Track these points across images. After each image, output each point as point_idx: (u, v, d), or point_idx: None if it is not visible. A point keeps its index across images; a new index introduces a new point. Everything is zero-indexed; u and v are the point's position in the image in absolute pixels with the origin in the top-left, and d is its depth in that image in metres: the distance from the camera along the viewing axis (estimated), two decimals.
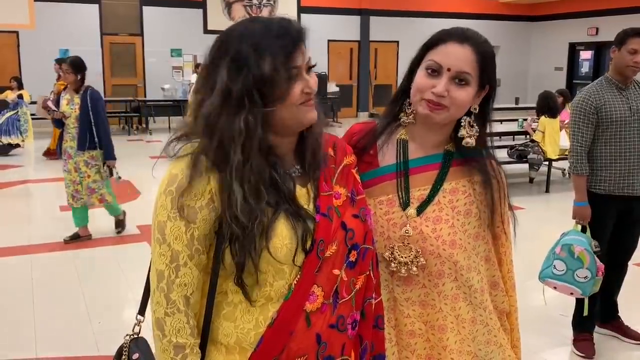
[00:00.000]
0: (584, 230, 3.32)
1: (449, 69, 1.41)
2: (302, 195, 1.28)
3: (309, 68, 1.25)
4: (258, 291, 1.22)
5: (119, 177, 5.61)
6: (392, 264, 1.47)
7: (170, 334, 1.20)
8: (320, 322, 1.24)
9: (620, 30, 3.35)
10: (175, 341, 1.20)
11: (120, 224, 5.83)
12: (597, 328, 3.62)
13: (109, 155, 5.43)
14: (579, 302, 3.45)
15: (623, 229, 3.42)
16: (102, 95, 6.21)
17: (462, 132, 1.48)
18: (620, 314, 3.69)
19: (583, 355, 3.45)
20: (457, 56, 1.42)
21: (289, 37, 1.21)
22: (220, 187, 1.19)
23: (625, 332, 3.64)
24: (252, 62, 1.17)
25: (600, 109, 3.25)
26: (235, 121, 1.17)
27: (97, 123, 5.31)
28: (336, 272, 1.27)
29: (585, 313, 3.35)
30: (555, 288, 3.23)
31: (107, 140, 5.38)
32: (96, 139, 5.32)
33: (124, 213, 5.86)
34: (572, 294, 3.21)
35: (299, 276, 1.23)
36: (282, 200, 1.22)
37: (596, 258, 3.13)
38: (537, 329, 3.67)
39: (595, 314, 3.55)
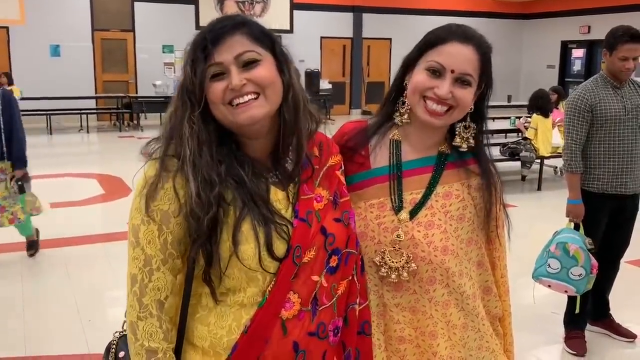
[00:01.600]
0: (577, 228, 3.32)
1: (452, 71, 1.37)
2: (281, 199, 1.25)
3: (247, 63, 1.19)
4: (232, 296, 1.21)
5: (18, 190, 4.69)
6: (383, 269, 1.43)
7: (142, 337, 1.19)
8: (298, 330, 1.21)
9: (610, 29, 3.35)
10: (147, 345, 1.19)
11: (32, 246, 5.02)
12: (588, 326, 3.63)
13: (20, 163, 4.63)
14: (571, 300, 3.46)
15: (615, 227, 3.43)
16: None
17: (457, 140, 1.46)
18: (611, 311, 3.70)
19: (574, 352, 3.45)
20: (460, 57, 1.37)
21: (208, 32, 1.18)
22: (185, 190, 1.17)
23: (616, 329, 3.64)
24: (184, 61, 1.20)
25: (595, 107, 3.25)
26: (183, 121, 1.19)
27: (10, 129, 4.56)
28: (315, 278, 1.24)
29: (577, 311, 3.36)
30: (549, 286, 3.22)
31: (21, 150, 4.62)
32: (4, 148, 4.57)
33: (37, 232, 5.10)
34: (566, 291, 3.21)
35: (273, 282, 1.19)
36: (250, 201, 1.19)
37: (590, 255, 3.13)
38: (528, 327, 3.67)
39: (587, 312, 3.55)
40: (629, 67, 3.20)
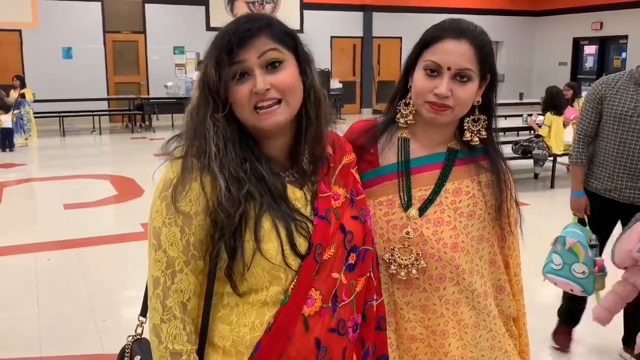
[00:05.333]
0: (584, 223, 3.18)
1: (449, 68, 1.37)
2: (299, 197, 1.25)
3: (269, 64, 1.19)
4: (254, 295, 1.21)
5: None
6: (392, 267, 1.43)
7: (166, 340, 1.19)
8: (319, 326, 1.22)
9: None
10: (171, 348, 1.19)
11: None
12: (622, 351, 3.36)
13: None
14: (573, 298, 3.29)
15: None
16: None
17: (467, 135, 1.45)
18: None
19: (558, 347, 3.39)
20: (455, 53, 1.37)
21: (233, 33, 1.17)
22: (213, 187, 1.18)
23: None
24: (205, 60, 1.20)
25: (605, 98, 3.05)
26: (206, 118, 1.19)
27: None
28: (335, 275, 1.25)
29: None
30: (555, 284, 3.13)
31: None
32: None
33: None
34: (571, 290, 3.07)
35: (295, 280, 1.20)
36: (270, 197, 1.20)
37: (590, 252, 2.99)
38: (542, 327, 3.64)
39: (628, 335, 3.27)
40: None
